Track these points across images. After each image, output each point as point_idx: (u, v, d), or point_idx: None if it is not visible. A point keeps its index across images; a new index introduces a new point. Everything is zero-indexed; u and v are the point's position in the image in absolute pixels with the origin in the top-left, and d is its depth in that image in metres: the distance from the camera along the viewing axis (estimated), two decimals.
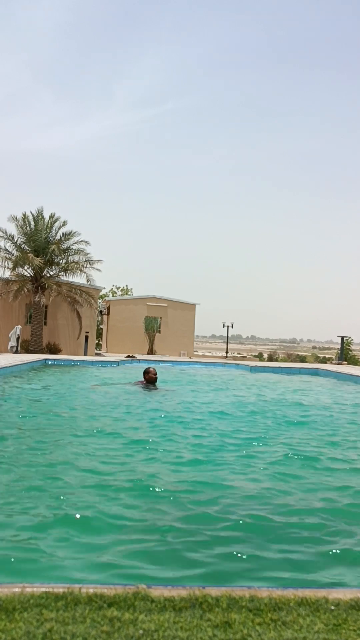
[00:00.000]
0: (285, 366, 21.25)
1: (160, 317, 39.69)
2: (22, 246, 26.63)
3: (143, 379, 11.15)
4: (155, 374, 11.08)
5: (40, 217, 27.15)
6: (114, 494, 4.15)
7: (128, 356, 22.66)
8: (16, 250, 26.44)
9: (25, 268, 26.58)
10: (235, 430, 7.22)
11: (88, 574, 2.81)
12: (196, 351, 53.74)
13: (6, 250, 26.25)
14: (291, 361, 61.93)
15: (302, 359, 74.18)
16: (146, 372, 11.14)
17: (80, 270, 26.82)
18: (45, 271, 26.54)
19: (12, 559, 2.96)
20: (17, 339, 22.04)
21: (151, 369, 11.21)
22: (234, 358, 46.36)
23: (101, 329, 44.80)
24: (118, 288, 57.60)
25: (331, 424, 8.08)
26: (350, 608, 2.23)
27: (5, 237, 26.27)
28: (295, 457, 5.65)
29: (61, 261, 27.07)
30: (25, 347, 25.35)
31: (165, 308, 40.15)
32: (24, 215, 26.89)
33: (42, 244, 26.40)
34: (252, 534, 3.44)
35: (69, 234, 27.19)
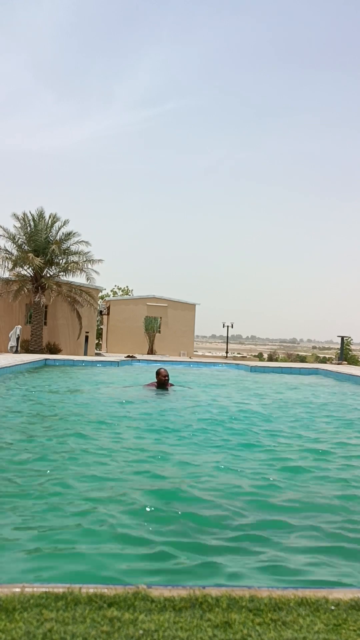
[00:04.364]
0: (285, 366, 21.24)
1: (160, 317, 39.69)
2: (23, 246, 26.63)
3: (155, 381, 11.01)
4: (166, 375, 10.87)
5: (40, 217, 27.15)
6: (119, 494, 4.15)
7: (128, 356, 22.65)
8: (16, 250, 26.43)
9: (25, 268, 26.58)
10: (241, 430, 7.22)
11: (88, 574, 2.81)
12: (196, 351, 53.75)
13: (6, 250, 26.26)
14: (291, 361, 61.94)
15: (302, 359, 74.19)
16: (157, 374, 10.97)
17: (81, 270, 26.82)
18: (45, 271, 26.54)
19: (13, 559, 2.96)
20: (17, 339, 22.04)
21: (162, 370, 10.99)
22: (234, 358, 46.36)
23: (101, 329, 44.80)
24: (119, 288, 57.66)
25: (340, 424, 8.08)
26: (350, 608, 2.23)
27: (7, 236, 26.28)
28: (305, 455, 5.65)
29: (61, 261, 27.07)
30: (25, 347, 25.34)
31: (165, 308, 40.14)
32: (24, 215, 26.91)
33: (42, 244, 26.39)
34: (255, 534, 3.44)
35: (69, 234, 27.19)
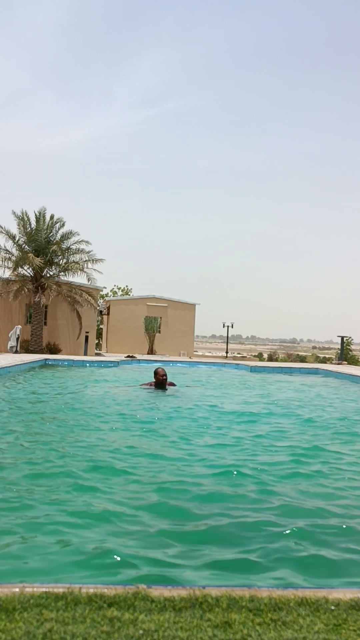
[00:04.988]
0: (285, 366, 21.24)
1: (160, 317, 39.68)
2: (23, 246, 26.64)
3: (153, 380, 10.97)
4: (164, 375, 10.80)
5: (40, 217, 27.15)
6: (118, 495, 4.15)
7: (128, 356, 22.65)
8: (16, 250, 26.44)
9: (26, 268, 26.58)
10: (239, 430, 7.22)
11: (88, 573, 2.81)
12: (196, 351, 53.73)
13: (6, 250, 26.26)
14: (291, 361, 61.91)
15: (302, 359, 74.16)
16: (155, 373, 10.92)
17: (81, 270, 26.84)
18: (45, 271, 26.54)
19: (13, 557, 2.96)
20: (17, 339, 22.04)
21: (160, 370, 10.92)
22: (234, 358, 46.34)
23: (101, 329, 44.79)
24: (119, 288, 57.66)
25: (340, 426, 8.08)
26: (350, 608, 2.23)
27: (7, 235, 26.26)
28: (304, 456, 5.66)
29: (61, 261, 27.07)
30: (25, 347, 25.34)
31: (165, 308, 40.14)
32: (24, 213, 26.89)
33: (43, 244, 26.40)
34: (256, 535, 3.44)
35: (69, 233, 27.20)
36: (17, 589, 2.26)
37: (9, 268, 26.11)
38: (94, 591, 2.26)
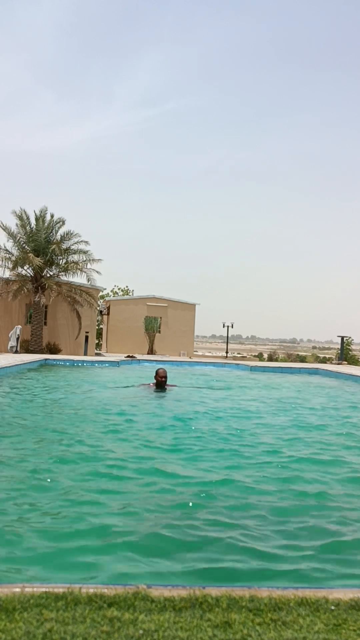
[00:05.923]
0: (285, 366, 21.23)
1: (160, 317, 39.67)
2: (23, 246, 26.63)
3: (153, 382, 10.96)
4: (164, 376, 10.78)
5: (40, 217, 27.14)
6: (115, 494, 4.15)
7: (128, 356, 22.65)
8: (16, 250, 26.43)
9: (25, 268, 26.58)
10: (239, 431, 7.22)
11: (89, 573, 2.81)
12: (196, 351, 53.73)
13: (6, 250, 26.26)
14: (291, 361, 61.90)
15: (302, 359, 74.16)
16: (156, 373, 10.91)
17: (80, 270, 26.84)
18: (45, 271, 26.54)
19: (13, 557, 2.96)
20: (17, 339, 22.03)
21: (160, 371, 10.90)
22: (234, 358, 46.34)
23: (101, 329, 44.79)
24: (119, 288, 57.65)
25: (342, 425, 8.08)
26: (350, 608, 2.23)
27: (8, 234, 26.25)
28: (304, 456, 5.65)
29: (61, 261, 27.07)
30: (25, 347, 25.33)
31: (165, 308, 40.13)
32: (23, 212, 26.89)
33: (42, 244, 26.39)
34: (256, 534, 3.44)
35: (69, 233, 27.19)
36: (17, 589, 2.26)
37: (8, 268, 26.11)
38: (94, 591, 2.26)
